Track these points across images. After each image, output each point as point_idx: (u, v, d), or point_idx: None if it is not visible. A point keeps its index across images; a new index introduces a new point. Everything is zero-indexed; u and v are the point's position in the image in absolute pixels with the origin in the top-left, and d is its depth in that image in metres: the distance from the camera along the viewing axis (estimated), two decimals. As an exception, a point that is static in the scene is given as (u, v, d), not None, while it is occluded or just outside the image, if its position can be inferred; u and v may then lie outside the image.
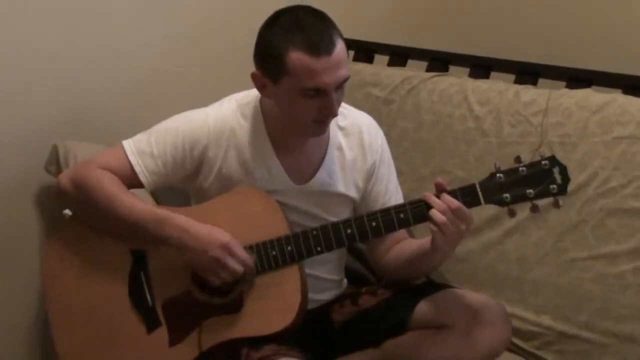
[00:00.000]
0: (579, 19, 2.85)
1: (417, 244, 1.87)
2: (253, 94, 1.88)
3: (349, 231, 1.77)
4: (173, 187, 1.98)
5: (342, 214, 1.93)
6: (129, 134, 1.89)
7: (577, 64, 2.33)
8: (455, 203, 1.69)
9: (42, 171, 2.26)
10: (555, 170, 1.68)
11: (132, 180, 1.84)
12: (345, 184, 1.92)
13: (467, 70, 2.53)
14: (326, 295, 1.97)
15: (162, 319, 1.82)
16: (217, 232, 1.74)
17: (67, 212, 1.96)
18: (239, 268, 1.73)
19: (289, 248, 1.76)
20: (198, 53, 2.56)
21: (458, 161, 2.29)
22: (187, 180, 1.90)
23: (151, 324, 1.82)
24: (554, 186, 1.67)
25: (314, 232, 1.77)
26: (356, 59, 2.73)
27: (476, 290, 1.97)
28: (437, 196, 1.71)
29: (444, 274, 2.19)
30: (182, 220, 1.76)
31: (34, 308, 2.35)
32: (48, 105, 2.29)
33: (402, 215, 1.75)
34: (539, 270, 2.10)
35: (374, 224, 1.75)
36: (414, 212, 1.74)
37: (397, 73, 2.53)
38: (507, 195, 1.69)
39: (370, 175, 1.95)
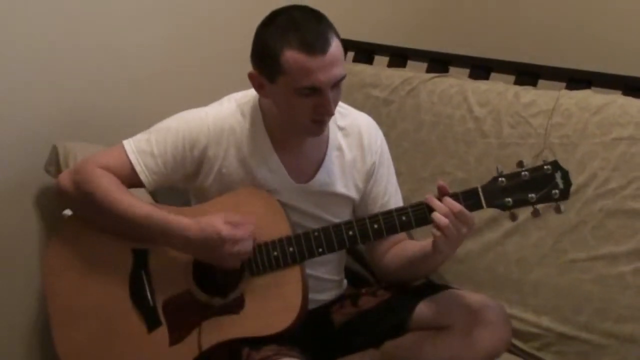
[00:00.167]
0: (579, 20, 2.85)
1: (418, 245, 1.87)
2: (252, 93, 1.88)
3: (350, 233, 1.77)
4: (173, 187, 1.98)
5: (342, 214, 1.93)
6: (129, 134, 1.89)
7: (577, 65, 2.33)
8: (457, 206, 1.69)
9: (42, 171, 2.26)
10: (558, 175, 1.68)
11: (132, 180, 1.84)
12: (345, 184, 1.92)
13: (467, 71, 2.53)
14: (326, 296, 1.98)
15: (162, 318, 1.82)
16: (213, 224, 1.74)
17: (67, 212, 1.96)
18: (247, 248, 1.74)
19: (291, 249, 1.77)
20: (198, 53, 2.57)
21: (458, 162, 2.28)
22: (188, 180, 1.90)
23: (152, 324, 1.82)
24: (556, 191, 1.68)
25: (316, 233, 1.77)
26: (356, 59, 2.73)
27: (476, 291, 1.97)
28: (439, 199, 1.71)
29: (443, 275, 2.19)
30: (179, 221, 1.76)
31: (34, 308, 2.35)
32: (48, 105, 2.29)
33: (404, 218, 1.75)
34: (539, 271, 2.10)
35: (375, 226, 1.76)
36: (416, 215, 1.74)
37: (397, 74, 2.52)
38: (509, 199, 1.70)
39: (370, 176, 1.95)
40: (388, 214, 1.76)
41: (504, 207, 1.71)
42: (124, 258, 1.85)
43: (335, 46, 1.70)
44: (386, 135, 2.05)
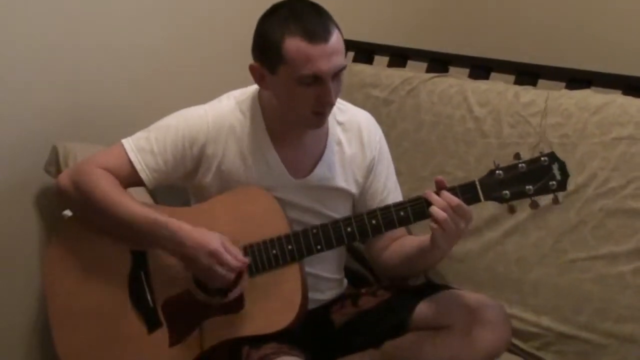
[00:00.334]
0: (579, 19, 2.85)
1: (416, 241, 1.87)
2: (251, 90, 1.89)
3: (349, 229, 1.77)
4: (173, 186, 1.98)
5: (341, 209, 1.93)
6: (129, 134, 1.89)
7: (577, 65, 2.33)
8: (455, 200, 1.69)
9: (42, 171, 2.26)
10: (555, 167, 1.68)
11: (132, 179, 1.84)
12: (345, 179, 1.93)
13: (467, 71, 2.53)
14: (326, 295, 1.98)
15: (162, 319, 1.82)
16: (208, 238, 1.73)
17: (67, 212, 1.96)
18: (227, 275, 1.73)
19: (290, 247, 1.77)
20: (198, 53, 2.57)
21: (458, 162, 2.28)
22: (187, 178, 1.90)
23: (152, 324, 1.82)
24: (554, 182, 1.68)
25: (314, 231, 1.77)
26: (356, 59, 2.73)
27: (476, 291, 1.97)
28: (437, 193, 1.71)
29: (443, 275, 2.19)
30: (175, 225, 1.75)
31: (34, 308, 2.35)
32: (48, 105, 2.29)
33: (402, 213, 1.75)
34: (539, 270, 2.10)
35: (374, 221, 1.76)
36: (414, 210, 1.74)
37: (397, 74, 2.52)
38: (507, 191, 1.70)
39: (369, 171, 1.96)
40: (386, 209, 1.76)
41: (501, 199, 1.71)
42: (123, 259, 1.85)
43: (336, 36, 1.71)
44: (386, 135, 2.05)
